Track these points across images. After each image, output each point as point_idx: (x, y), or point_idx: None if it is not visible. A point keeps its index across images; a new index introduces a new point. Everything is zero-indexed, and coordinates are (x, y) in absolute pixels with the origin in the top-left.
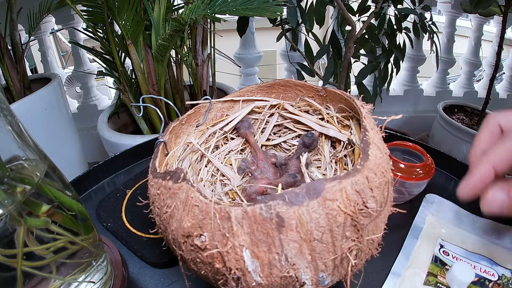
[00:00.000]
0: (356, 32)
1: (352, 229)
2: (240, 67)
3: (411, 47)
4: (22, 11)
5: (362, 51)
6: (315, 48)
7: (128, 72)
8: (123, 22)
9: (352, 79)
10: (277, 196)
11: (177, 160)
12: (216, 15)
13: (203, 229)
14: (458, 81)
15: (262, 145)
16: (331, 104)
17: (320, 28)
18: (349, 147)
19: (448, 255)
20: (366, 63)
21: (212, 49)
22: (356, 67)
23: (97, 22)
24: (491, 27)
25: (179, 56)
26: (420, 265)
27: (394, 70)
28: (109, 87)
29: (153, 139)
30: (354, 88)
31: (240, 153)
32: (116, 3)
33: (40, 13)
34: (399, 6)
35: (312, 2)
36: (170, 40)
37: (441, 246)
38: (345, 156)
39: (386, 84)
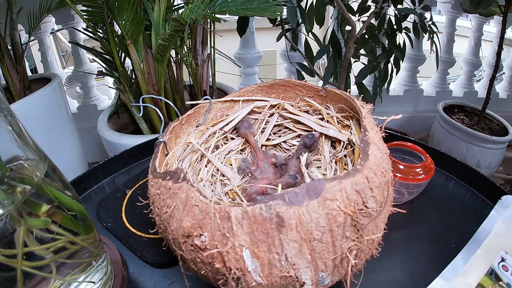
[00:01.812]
0: (356, 32)
1: (352, 229)
2: (240, 67)
3: (411, 47)
4: (22, 11)
5: (362, 51)
6: (315, 48)
7: (128, 72)
8: (123, 22)
9: (352, 79)
10: (277, 196)
11: (177, 160)
12: (216, 15)
13: (203, 229)
14: (458, 81)
15: (262, 145)
16: (331, 104)
17: (320, 28)
18: (349, 147)
19: (507, 270)
20: (366, 63)
21: (212, 49)
22: (356, 67)
23: (97, 22)
24: (491, 27)
25: (179, 56)
26: (473, 275)
27: (394, 70)
28: (109, 87)
29: (153, 139)
30: (354, 88)
31: (240, 153)
32: (116, 3)
33: (40, 13)
34: (399, 6)
35: (312, 2)
36: (170, 40)
37: (502, 259)
38: (345, 156)
39: (386, 84)
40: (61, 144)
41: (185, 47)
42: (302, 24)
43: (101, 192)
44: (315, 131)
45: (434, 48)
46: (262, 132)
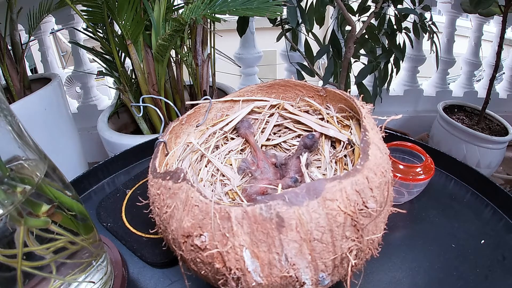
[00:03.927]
0: (356, 32)
1: (352, 229)
2: (240, 67)
3: (411, 47)
4: (22, 11)
5: (362, 51)
6: (315, 48)
7: (128, 72)
8: (123, 22)
9: (352, 79)
10: (277, 196)
11: (177, 160)
12: (216, 15)
13: (203, 229)
14: (458, 81)
15: (262, 145)
16: (331, 104)
17: (320, 28)
18: (349, 147)
19: None
20: (366, 63)
21: (212, 49)
22: (356, 67)
23: (97, 22)
24: (491, 27)
25: (179, 56)
26: None
27: (394, 70)
28: (109, 87)
29: (153, 139)
30: (354, 88)
31: (240, 153)
32: (116, 3)
33: (40, 13)
34: (399, 6)
35: (312, 2)
36: (170, 40)
37: None
38: (345, 156)
39: (386, 84)
40: (61, 144)
41: (185, 47)
42: (302, 24)
43: (101, 192)
44: (315, 131)
45: (434, 48)
46: (262, 132)
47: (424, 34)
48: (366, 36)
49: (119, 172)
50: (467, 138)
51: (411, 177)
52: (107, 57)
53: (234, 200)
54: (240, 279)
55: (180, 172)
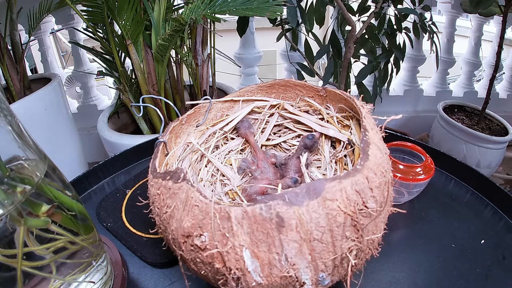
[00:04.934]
0: (356, 32)
1: (352, 229)
2: (240, 67)
3: (411, 47)
4: (22, 11)
5: (362, 51)
6: (315, 48)
7: (128, 72)
8: (123, 22)
9: (352, 79)
10: (277, 196)
11: (177, 160)
12: (216, 15)
13: (203, 229)
14: (458, 81)
15: (262, 145)
16: (331, 104)
17: (320, 28)
18: (349, 147)
19: None
20: (366, 63)
21: (212, 49)
22: (356, 67)
23: (97, 22)
24: (491, 27)
25: (179, 56)
26: None
27: (394, 70)
28: (109, 87)
29: (153, 139)
30: (354, 88)
31: (240, 153)
32: (116, 3)
33: (40, 13)
34: (399, 6)
35: (312, 2)
36: (170, 40)
37: None
38: (345, 156)
39: (386, 84)
40: (61, 144)
41: (185, 47)
42: (302, 24)
43: (101, 192)
44: (315, 131)
45: (434, 48)
46: (262, 132)
47: (424, 34)
48: (366, 36)
49: (119, 172)
50: (467, 138)
51: (411, 177)
52: (107, 57)
53: (234, 200)
54: (240, 279)
55: (180, 172)
